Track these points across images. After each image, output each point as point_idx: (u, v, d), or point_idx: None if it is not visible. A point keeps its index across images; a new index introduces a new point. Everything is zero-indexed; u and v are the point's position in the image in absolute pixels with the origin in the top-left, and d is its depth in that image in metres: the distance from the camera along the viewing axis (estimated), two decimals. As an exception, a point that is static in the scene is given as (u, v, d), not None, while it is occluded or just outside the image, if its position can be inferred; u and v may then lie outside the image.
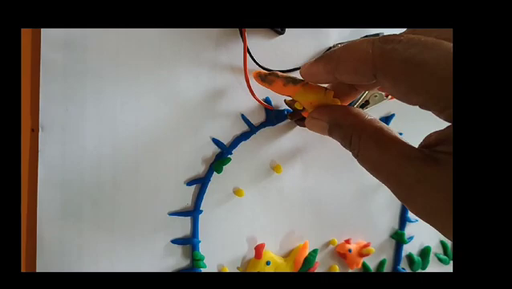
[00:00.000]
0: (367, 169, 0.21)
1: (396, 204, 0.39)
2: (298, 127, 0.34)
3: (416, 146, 0.20)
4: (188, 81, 0.31)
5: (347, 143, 0.22)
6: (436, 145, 0.18)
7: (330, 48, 0.34)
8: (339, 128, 0.22)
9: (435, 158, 0.17)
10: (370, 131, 0.21)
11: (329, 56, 0.21)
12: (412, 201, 0.18)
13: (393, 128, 0.23)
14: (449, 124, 0.18)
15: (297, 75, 0.33)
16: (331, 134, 0.23)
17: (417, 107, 0.19)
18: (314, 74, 0.23)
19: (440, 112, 0.17)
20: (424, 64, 0.16)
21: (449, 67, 0.16)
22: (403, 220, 0.40)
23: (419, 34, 0.18)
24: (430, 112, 0.19)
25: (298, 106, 0.27)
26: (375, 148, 0.20)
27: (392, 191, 0.19)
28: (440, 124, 0.19)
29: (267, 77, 0.26)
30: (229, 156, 0.32)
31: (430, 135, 0.19)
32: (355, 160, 0.36)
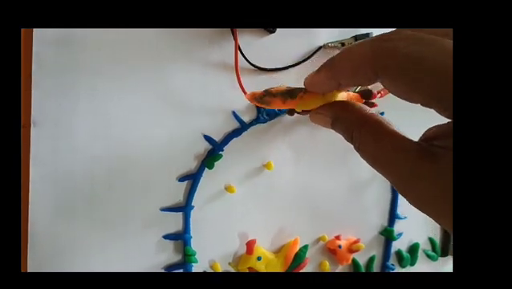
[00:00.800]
0: (367, 162, 0.21)
1: (385, 201, 0.40)
2: (289, 124, 0.34)
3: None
4: (180, 78, 0.31)
5: (349, 136, 0.22)
6: (433, 139, 0.18)
7: (320, 47, 0.34)
8: (341, 123, 0.23)
9: (431, 152, 0.18)
10: (369, 125, 0.21)
11: (329, 64, 0.21)
12: (409, 192, 0.19)
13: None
14: (449, 120, 0.18)
15: (289, 73, 0.34)
16: (333, 127, 0.24)
17: (406, 106, 0.20)
18: (317, 83, 0.23)
19: (442, 111, 0.17)
20: (424, 62, 0.16)
21: (449, 65, 0.16)
22: (392, 217, 0.40)
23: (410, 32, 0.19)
24: (419, 110, 0.19)
25: (298, 109, 0.27)
26: (373, 142, 0.20)
27: (392, 183, 0.20)
28: (430, 122, 0.20)
29: (264, 98, 0.25)
30: (220, 152, 0.32)
31: (430, 129, 0.20)
32: (346, 157, 0.36)
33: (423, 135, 0.20)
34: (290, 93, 0.25)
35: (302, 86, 0.24)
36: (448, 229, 0.19)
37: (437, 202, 0.17)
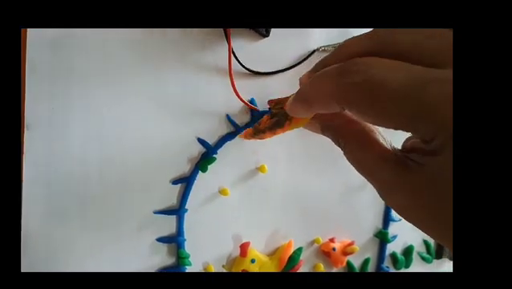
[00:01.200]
0: (354, 167, 0.22)
1: (379, 203, 0.40)
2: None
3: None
4: (174, 82, 0.31)
5: (336, 142, 0.23)
6: (410, 151, 0.19)
7: (314, 51, 0.34)
8: (328, 130, 0.24)
9: (407, 164, 0.18)
10: (353, 132, 0.22)
11: (301, 97, 0.22)
12: (389, 201, 0.19)
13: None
14: None
15: (283, 77, 0.34)
16: (323, 133, 0.25)
17: None
18: (297, 112, 0.24)
19: (416, 133, 0.17)
20: (383, 93, 0.16)
21: (409, 93, 0.15)
22: (386, 219, 0.40)
23: (401, 33, 0.19)
24: None
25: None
26: (357, 149, 0.21)
27: (375, 189, 0.20)
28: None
29: (256, 136, 0.26)
30: (214, 155, 0.32)
31: (407, 139, 0.20)
32: (339, 160, 0.36)
33: (403, 143, 0.20)
34: (278, 123, 0.26)
35: (289, 94, 0.25)
36: (431, 236, 0.19)
37: (413, 212, 0.18)
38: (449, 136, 0.15)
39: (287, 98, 0.28)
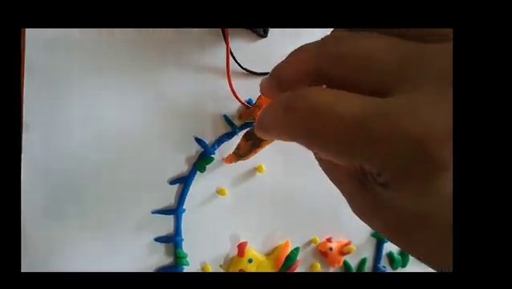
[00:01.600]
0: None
1: (376, 203, 0.40)
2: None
3: None
4: (172, 81, 0.31)
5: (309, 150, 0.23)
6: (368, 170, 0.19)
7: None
8: None
9: (365, 184, 0.18)
10: None
11: (261, 126, 0.21)
12: (354, 211, 0.19)
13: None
14: None
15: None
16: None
17: None
18: (263, 137, 0.24)
19: (361, 166, 0.16)
20: (326, 129, 0.15)
21: (351, 128, 0.15)
22: (383, 219, 0.41)
23: (395, 33, 0.18)
24: None
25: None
26: (324, 159, 0.21)
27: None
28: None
29: (240, 159, 0.27)
30: (212, 155, 0.33)
31: None
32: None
33: None
34: (255, 145, 0.27)
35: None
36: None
37: (383, 232, 0.18)
38: (394, 173, 0.14)
39: (256, 108, 0.29)
